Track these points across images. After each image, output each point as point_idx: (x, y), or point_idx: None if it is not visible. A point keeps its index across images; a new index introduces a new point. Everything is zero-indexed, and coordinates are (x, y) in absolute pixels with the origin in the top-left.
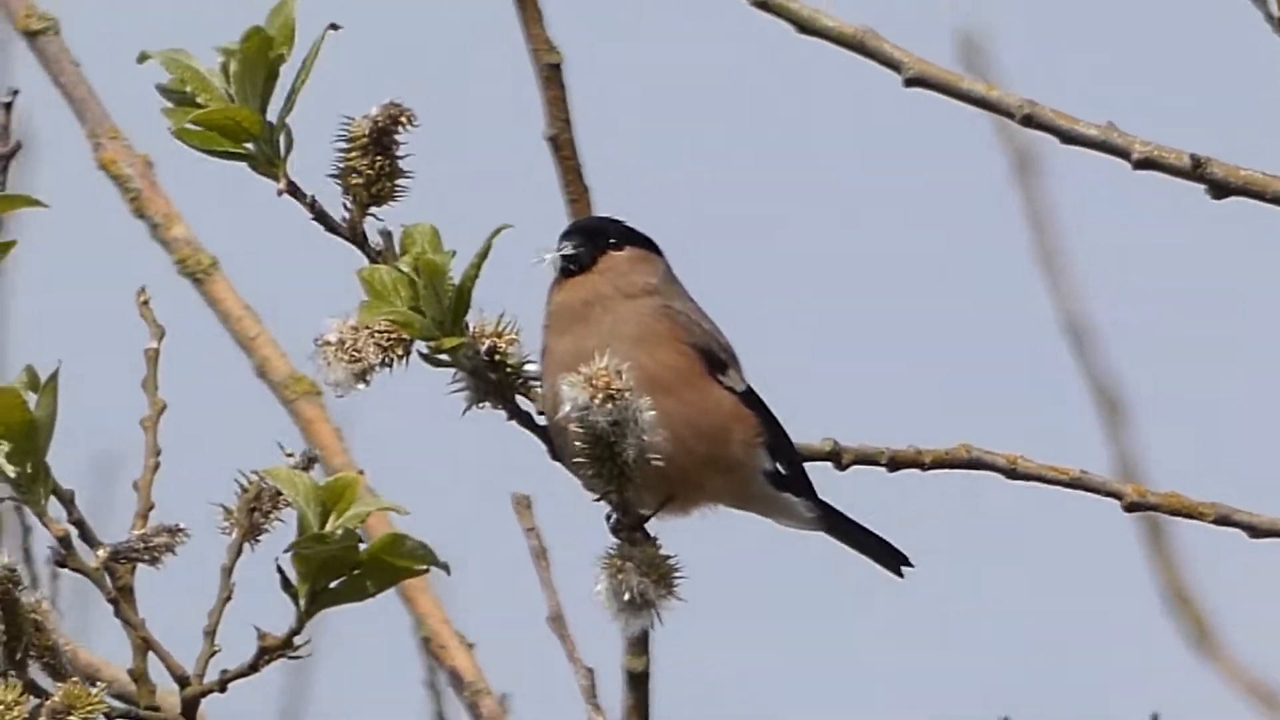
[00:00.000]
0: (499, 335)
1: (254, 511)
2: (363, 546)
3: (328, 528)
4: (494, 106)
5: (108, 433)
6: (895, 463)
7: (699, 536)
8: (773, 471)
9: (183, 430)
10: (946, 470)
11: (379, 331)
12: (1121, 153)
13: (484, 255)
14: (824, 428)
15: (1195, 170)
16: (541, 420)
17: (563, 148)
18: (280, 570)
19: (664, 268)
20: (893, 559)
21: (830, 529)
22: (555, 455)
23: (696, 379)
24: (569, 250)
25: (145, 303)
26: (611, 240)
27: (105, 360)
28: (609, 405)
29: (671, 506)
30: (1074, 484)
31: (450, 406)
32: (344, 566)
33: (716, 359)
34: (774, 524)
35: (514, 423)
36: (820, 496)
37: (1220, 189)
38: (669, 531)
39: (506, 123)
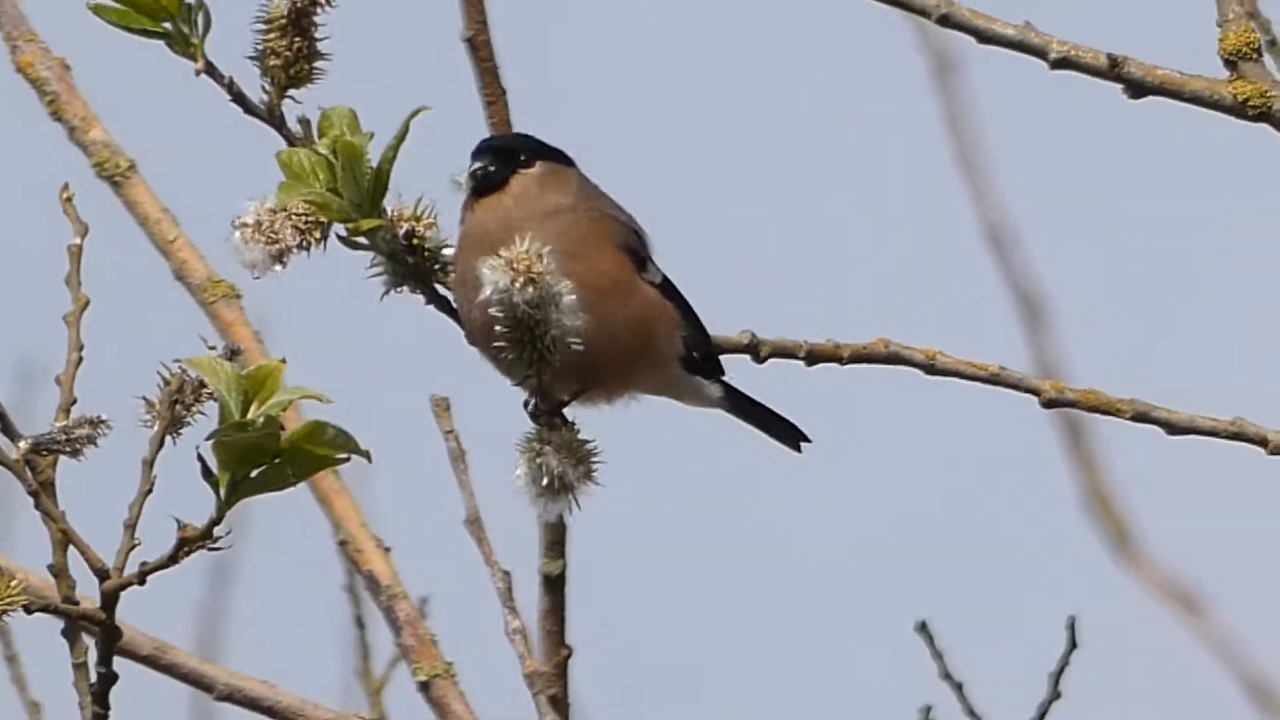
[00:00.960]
0: (417, 219)
1: (176, 403)
2: (284, 436)
3: (249, 416)
4: (411, 7)
5: (29, 336)
6: (813, 356)
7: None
8: (687, 357)
9: (104, 334)
10: (864, 365)
11: (296, 214)
12: (1039, 52)
13: (401, 138)
14: (742, 320)
15: (1112, 70)
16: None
17: (480, 49)
18: (201, 459)
19: (577, 179)
20: (792, 435)
21: (732, 408)
22: (471, 341)
23: (628, 281)
24: (479, 170)
25: (69, 199)
26: (522, 158)
27: (25, 263)
28: (530, 288)
29: (592, 396)
30: (992, 379)
31: (366, 300)
32: (265, 455)
33: (639, 256)
34: (677, 404)
35: (432, 307)
36: (724, 379)
37: (1137, 88)
38: (587, 419)
39: (425, 18)
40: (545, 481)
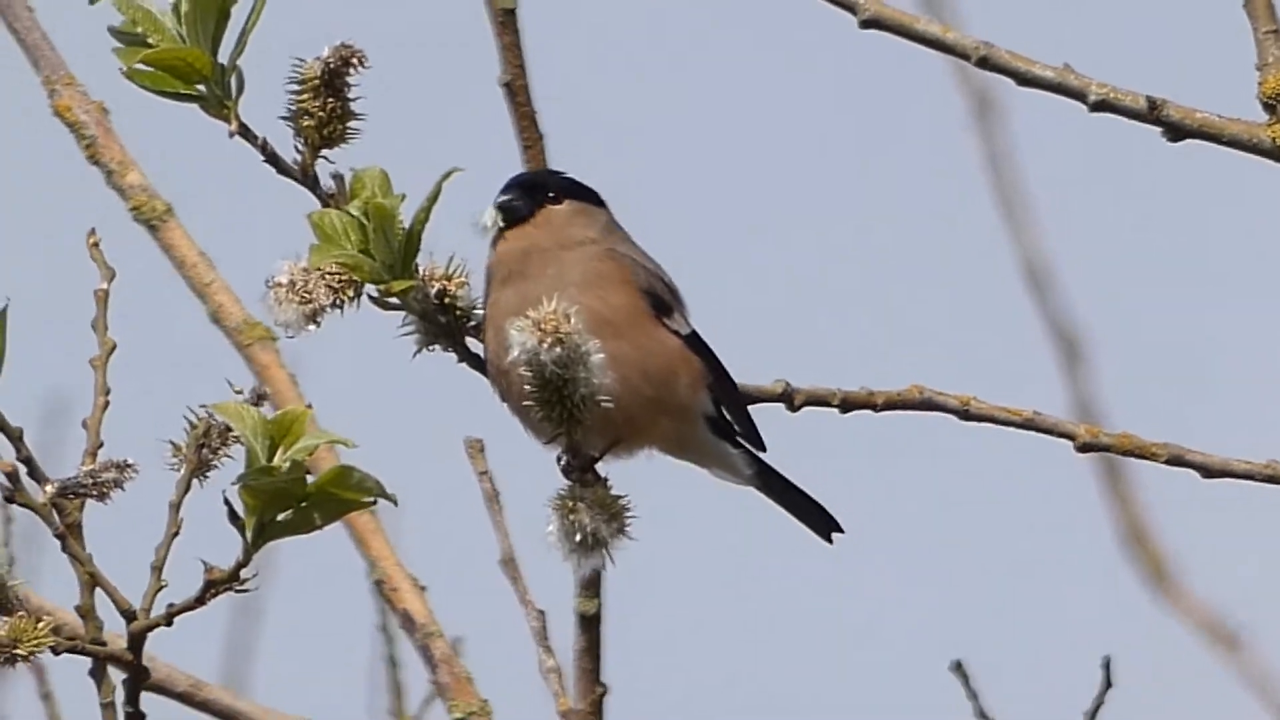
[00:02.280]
0: (448, 278)
1: (202, 447)
2: (311, 480)
3: (275, 460)
4: (449, 52)
5: (60, 378)
6: (848, 404)
7: (649, 481)
8: (714, 417)
9: (137, 376)
10: (899, 411)
11: (330, 273)
12: (1078, 95)
13: (434, 199)
14: (777, 369)
15: (1152, 112)
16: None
17: (517, 94)
18: (228, 502)
19: (605, 219)
20: (824, 523)
21: (764, 487)
22: (502, 398)
23: (643, 321)
24: (505, 202)
25: (95, 244)
26: (550, 194)
27: (61, 307)
28: (557, 349)
29: (618, 448)
30: (1027, 425)
31: (402, 350)
32: (291, 499)
33: (661, 301)
34: (709, 475)
35: (464, 365)
36: (758, 454)
37: (1176, 131)
38: (619, 473)
39: (461, 68)
40: (578, 538)
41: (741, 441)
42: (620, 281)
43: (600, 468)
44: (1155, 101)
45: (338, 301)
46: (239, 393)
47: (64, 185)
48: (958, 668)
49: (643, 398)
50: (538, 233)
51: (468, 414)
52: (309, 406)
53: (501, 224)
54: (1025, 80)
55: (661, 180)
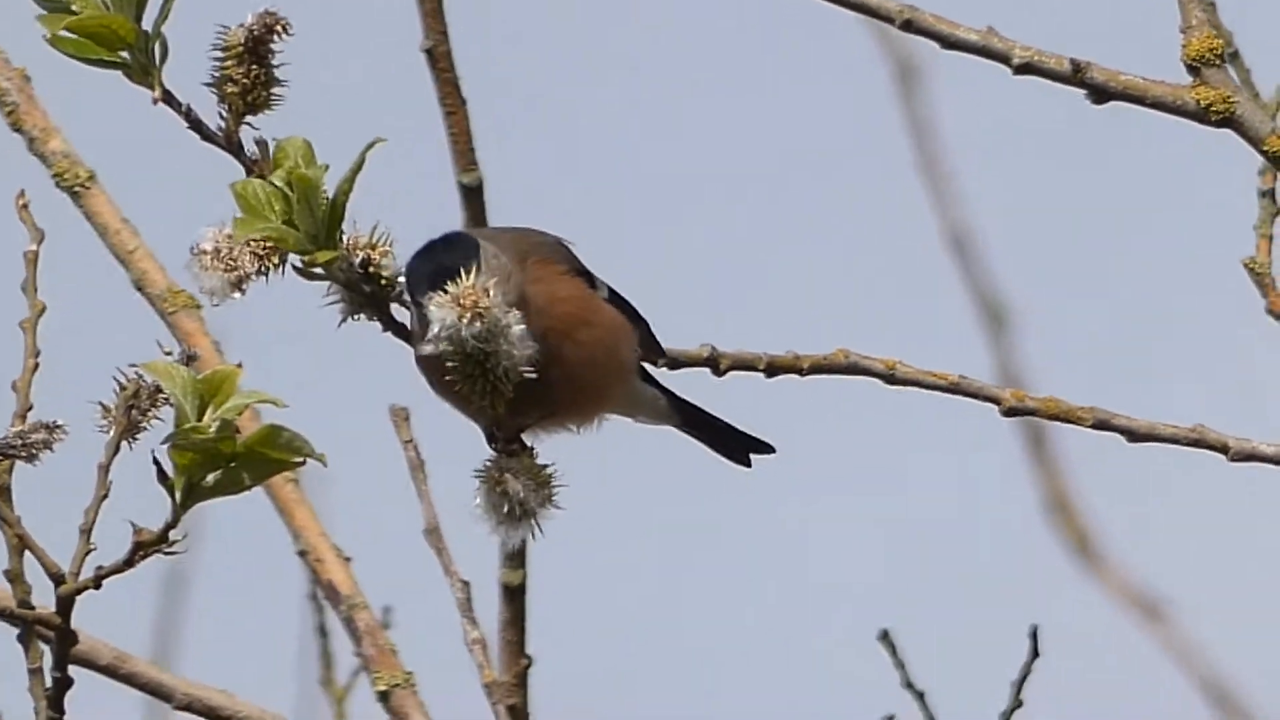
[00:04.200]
0: (373, 248)
1: (132, 408)
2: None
3: (204, 420)
4: (371, 18)
5: None
6: (773, 368)
7: (569, 447)
8: (642, 368)
9: (62, 343)
10: (825, 376)
11: (255, 240)
12: (1002, 58)
13: (357, 170)
14: (703, 334)
15: (1076, 75)
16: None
17: (439, 60)
18: (156, 462)
19: (488, 247)
20: (744, 447)
21: (683, 422)
22: (422, 369)
23: (594, 302)
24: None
25: (24, 206)
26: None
27: None
28: (478, 324)
29: (564, 422)
30: (952, 389)
31: (326, 319)
32: (221, 459)
33: (585, 274)
34: (631, 422)
35: (389, 334)
36: (675, 393)
37: (1100, 94)
38: (545, 443)
39: (384, 35)
40: (506, 509)
41: (660, 383)
42: (558, 275)
43: (528, 438)
44: (1079, 64)
45: (263, 269)
46: (168, 354)
47: None
48: (884, 637)
49: (605, 374)
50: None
51: (392, 384)
52: (239, 365)
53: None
54: (949, 43)
55: (583, 145)
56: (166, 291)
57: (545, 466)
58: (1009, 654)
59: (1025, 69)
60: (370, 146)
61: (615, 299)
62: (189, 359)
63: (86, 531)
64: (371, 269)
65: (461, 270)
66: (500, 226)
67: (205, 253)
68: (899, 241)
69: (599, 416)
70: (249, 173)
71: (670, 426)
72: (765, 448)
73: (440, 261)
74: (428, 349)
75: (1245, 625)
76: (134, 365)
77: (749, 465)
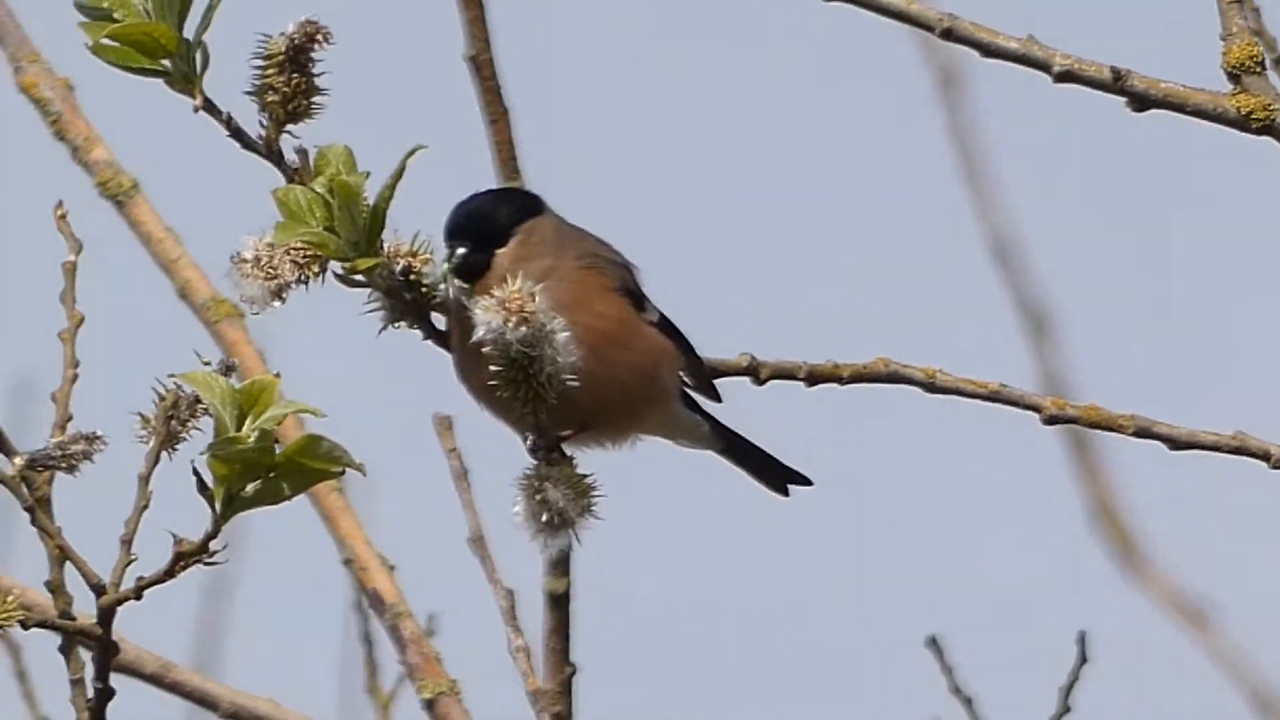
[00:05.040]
0: (414, 255)
1: (171, 419)
2: (279, 450)
3: (244, 430)
4: (413, 27)
5: (25, 359)
6: (813, 377)
7: (614, 457)
8: (685, 395)
9: (104, 354)
10: (865, 384)
11: (295, 249)
12: (1042, 66)
13: (398, 176)
14: (743, 343)
15: (1116, 83)
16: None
17: (482, 68)
18: (196, 473)
19: (548, 225)
20: (783, 477)
21: (724, 449)
22: (462, 376)
23: (634, 323)
24: (459, 264)
25: (63, 217)
26: (498, 239)
27: (28, 286)
28: (523, 328)
29: (598, 438)
30: (993, 397)
31: (368, 327)
32: (260, 469)
33: (635, 295)
34: (672, 445)
35: (430, 342)
36: (717, 419)
37: (1141, 102)
38: (586, 453)
39: (426, 43)
40: (545, 517)
41: (703, 409)
42: (602, 290)
43: (568, 448)
44: (1120, 72)
45: (303, 277)
46: (207, 364)
47: (29, 163)
48: (932, 642)
49: (638, 396)
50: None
51: (435, 391)
52: (277, 375)
53: (463, 285)
54: (990, 52)
55: (627, 154)
56: (210, 300)
57: (585, 476)
58: (1056, 660)
59: (1066, 77)
60: (411, 153)
61: (665, 324)
62: (228, 369)
63: (127, 542)
64: (412, 276)
65: (497, 231)
66: (579, 228)
67: (246, 261)
68: (941, 249)
69: (632, 437)
70: (289, 181)
71: (711, 451)
72: (803, 480)
73: (481, 211)
74: (478, 335)
75: None
76: (173, 375)
77: (787, 495)
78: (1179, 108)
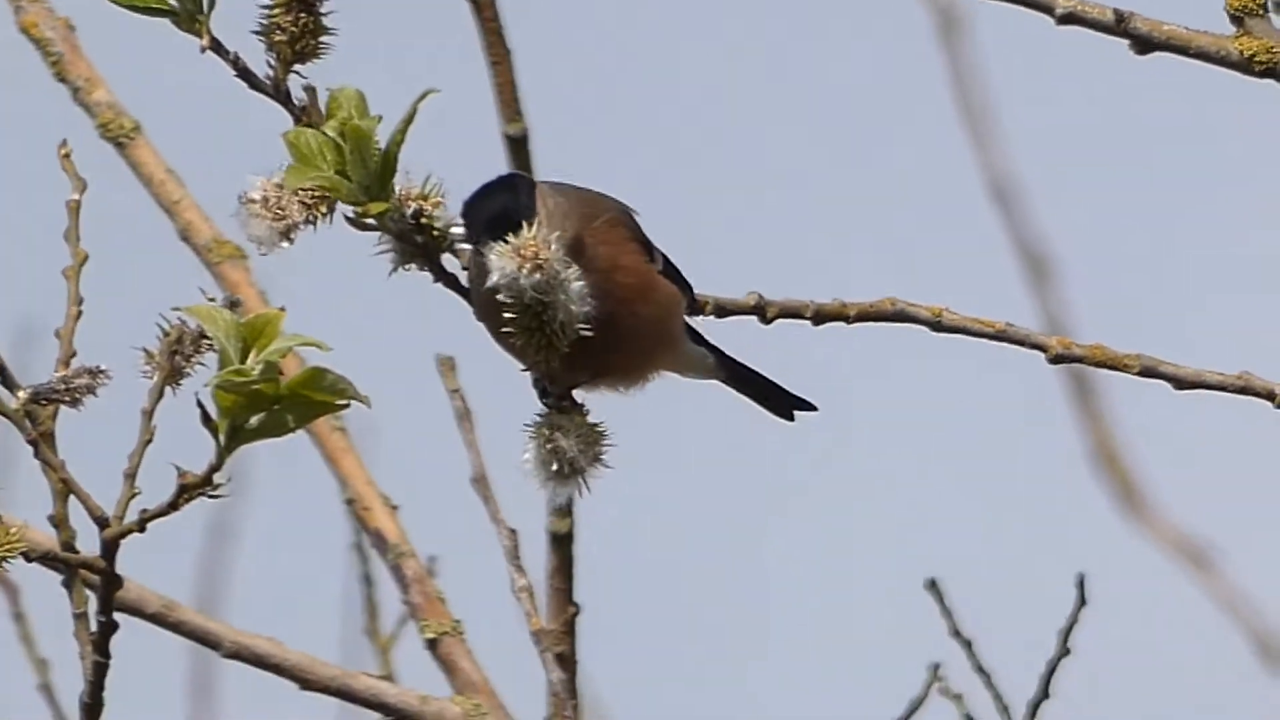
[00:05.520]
0: (425, 199)
1: (175, 354)
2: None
3: (248, 363)
4: None
5: (28, 301)
6: (820, 316)
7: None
8: (692, 330)
9: (107, 293)
10: (872, 323)
11: (303, 189)
12: (1045, 8)
13: (409, 121)
14: (750, 282)
15: (1119, 25)
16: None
17: (484, 9)
18: (200, 405)
19: (549, 197)
20: (786, 404)
21: (728, 377)
22: (481, 319)
23: (652, 276)
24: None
25: (66, 155)
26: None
27: (28, 227)
28: (537, 274)
29: (613, 383)
30: (999, 336)
31: (372, 267)
32: (264, 401)
33: (644, 244)
34: (678, 377)
35: (440, 285)
36: (720, 349)
37: (1144, 44)
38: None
39: None
40: (555, 466)
41: (707, 341)
42: (624, 242)
43: (579, 396)
44: (1122, 14)
45: (311, 218)
46: (212, 300)
47: (29, 104)
48: (931, 585)
49: (652, 345)
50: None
51: (439, 333)
52: (282, 309)
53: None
54: None
55: (629, 94)
56: (212, 242)
57: (596, 424)
58: (1056, 602)
59: (1068, 19)
60: (423, 97)
61: (669, 268)
62: (232, 305)
63: (131, 476)
64: (423, 220)
65: (523, 217)
66: (566, 183)
67: (254, 201)
68: (942, 191)
69: (648, 380)
70: (297, 121)
71: (716, 381)
72: (808, 406)
73: (502, 203)
74: (492, 281)
75: None
76: (177, 309)
77: (792, 419)
78: (1182, 50)
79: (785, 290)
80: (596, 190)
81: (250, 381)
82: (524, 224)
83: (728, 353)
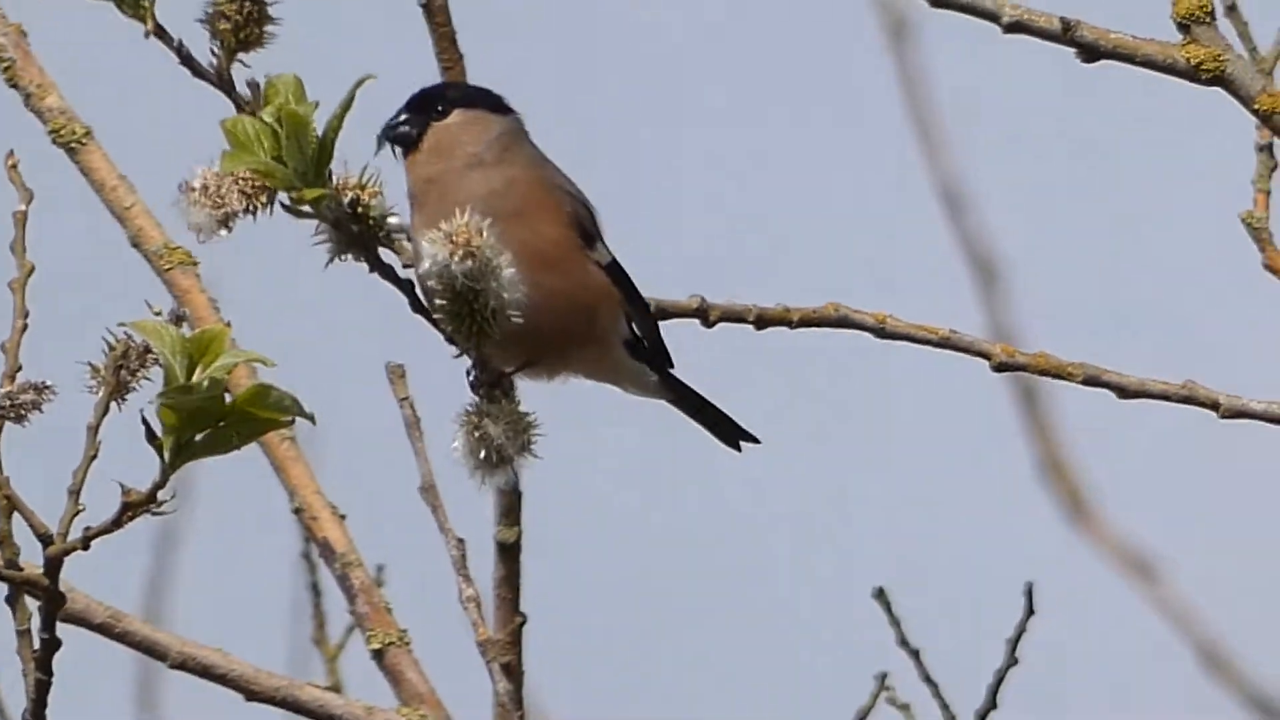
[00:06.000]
0: (361, 188)
1: (121, 369)
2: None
3: (194, 379)
4: None
5: None
6: (763, 320)
7: (567, 407)
8: (630, 340)
9: (59, 302)
10: (815, 329)
11: (243, 178)
12: (992, 16)
13: (346, 106)
14: (693, 285)
15: (1065, 33)
16: (405, 273)
17: (436, 14)
18: (145, 422)
19: (502, 127)
20: (733, 433)
21: (675, 400)
22: (417, 308)
23: (573, 255)
24: (392, 131)
25: (14, 166)
26: (439, 108)
27: None
28: (469, 261)
29: (534, 371)
30: (943, 343)
31: (324, 278)
32: (210, 418)
33: (586, 232)
34: (620, 392)
35: (376, 275)
36: (667, 368)
37: (1090, 52)
38: (534, 394)
39: None
40: (483, 453)
41: (653, 359)
42: (552, 213)
43: (511, 384)
44: (1069, 22)
45: (250, 207)
46: (157, 314)
47: None
48: (879, 595)
49: (568, 329)
50: (425, 156)
51: (389, 340)
52: (227, 324)
53: (401, 150)
54: (939, 1)
55: (581, 97)
56: (163, 248)
57: (526, 414)
58: (1004, 612)
59: (1015, 27)
60: (360, 83)
61: (615, 270)
62: (179, 318)
63: (75, 492)
64: (360, 209)
65: (451, 104)
66: (550, 160)
67: (193, 189)
68: (890, 196)
69: (565, 371)
70: (240, 111)
71: (663, 401)
72: (751, 439)
73: (428, 92)
74: (423, 268)
75: (1236, 584)
76: (123, 324)
77: (739, 450)
78: (1128, 58)
79: (729, 294)
80: (569, 177)
81: (196, 398)
82: (440, 109)
83: (674, 375)
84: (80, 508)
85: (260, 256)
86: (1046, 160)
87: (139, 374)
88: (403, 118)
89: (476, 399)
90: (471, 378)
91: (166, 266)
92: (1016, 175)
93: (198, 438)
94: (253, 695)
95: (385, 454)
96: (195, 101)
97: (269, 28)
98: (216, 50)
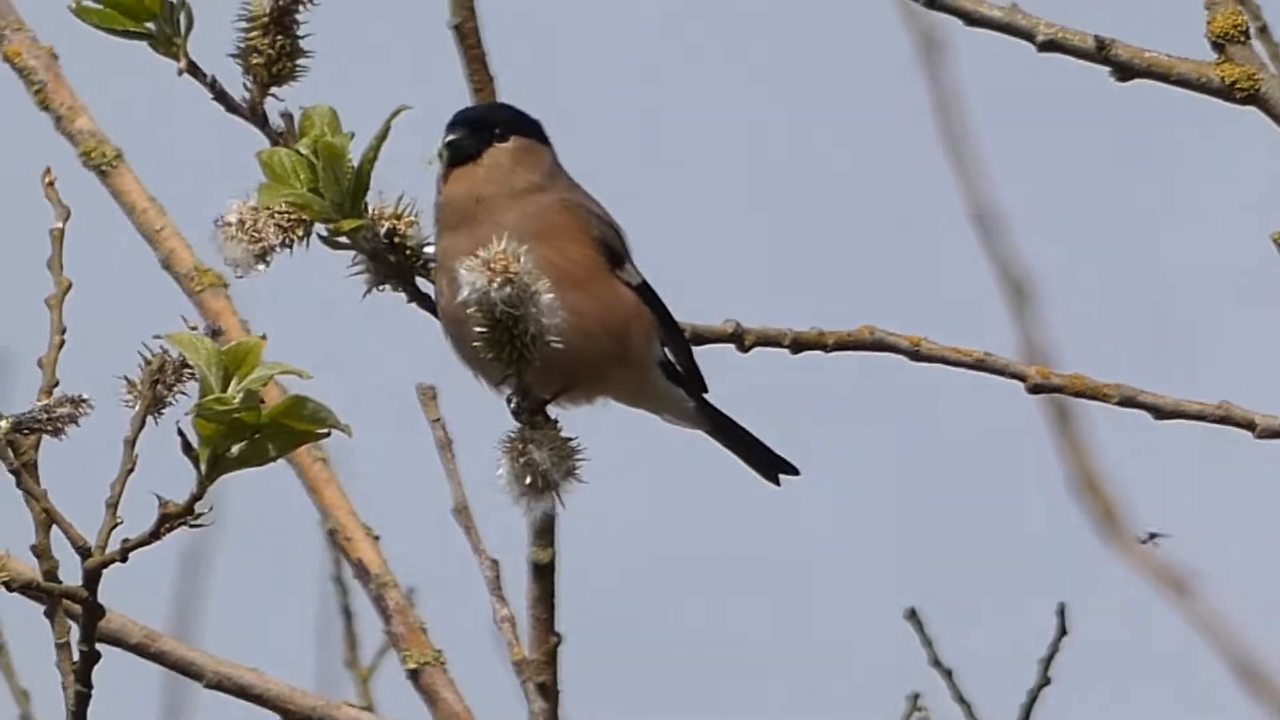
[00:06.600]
0: (398, 217)
1: (157, 382)
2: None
3: (229, 391)
4: None
5: (13, 325)
6: (798, 344)
7: (602, 427)
8: (666, 364)
9: (89, 321)
10: (850, 352)
11: (279, 212)
12: (1026, 34)
13: (382, 137)
14: (728, 309)
15: (1100, 52)
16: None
17: (467, 36)
18: (181, 434)
19: (549, 159)
20: (770, 465)
21: (712, 430)
22: (455, 346)
23: (600, 275)
24: (454, 141)
25: (51, 184)
26: (497, 131)
27: (11, 252)
28: (507, 288)
29: (571, 395)
30: (978, 365)
31: (354, 297)
32: (245, 430)
33: (614, 253)
34: (660, 420)
35: (414, 305)
36: (705, 397)
37: (1125, 71)
38: (572, 418)
39: (412, 9)
40: (529, 480)
41: (690, 387)
42: (578, 234)
43: (551, 410)
44: (1103, 41)
45: (287, 241)
46: (193, 329)
47: (11, 132)
48: (912, 615)
49: (600, 350)
50: (484, 175)
51: (421, 362)
52: (263, 337)
53: (448, 163)
54: (973, 20)
55: (611, 120)
56: (193, 270)
57: (570, 439)
58: (1037, 631)
59: (1050, 46)
60: (396, 114)
61: (645, 292)
62: (214, 333)
63: (113, 505)
64: (396, 239)
65: (503, 128)
66: (579, 184)
67: (229, 224)
68: (923, 217)
69: (599, 394)
70: (274, 144)
71: (702, 431)
72: (790, 469)
73: (482, 113)
74: (462, 295)
75: (1272, 600)
76: (158, 337)
77: (777, 483)
78: (1163, 77)
79: (764, 318)
80: (597, 200)
81: (231, 410)
82: (500, 131)
83: (712, 403)
84: (118, 520)
85: (289, 279)
86: (1080, 179)
87: (175, 388)
88: (461, 132)
89: (519, 426)
90: (513, 405)
91: (198, 289)
92: (1050, 194)
93: (233, 449)
94: (288, 715)
95: (418, 475)
96: (227, 128)
97: (301, 61)
98: (249, 85)
